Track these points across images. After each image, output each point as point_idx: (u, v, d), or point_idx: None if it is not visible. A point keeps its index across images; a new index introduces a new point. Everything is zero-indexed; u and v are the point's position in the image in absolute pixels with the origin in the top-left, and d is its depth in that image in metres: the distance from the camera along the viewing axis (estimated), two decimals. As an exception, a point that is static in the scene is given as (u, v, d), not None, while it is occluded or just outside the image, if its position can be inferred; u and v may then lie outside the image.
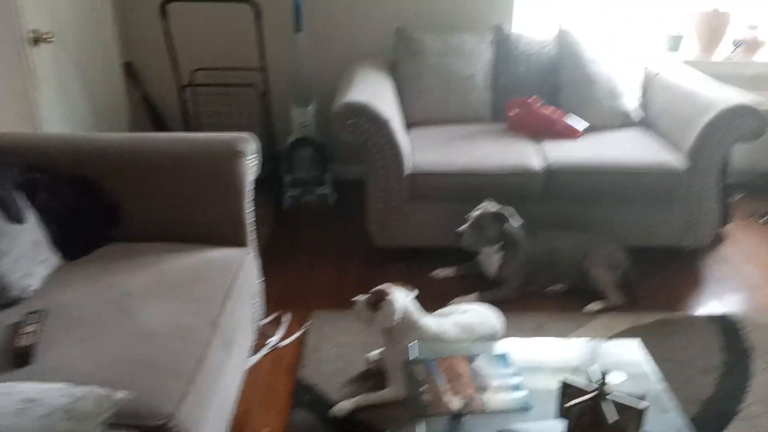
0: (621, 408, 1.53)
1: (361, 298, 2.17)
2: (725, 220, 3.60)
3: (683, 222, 3.16)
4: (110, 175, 2.19)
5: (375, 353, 2.39)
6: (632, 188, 3.05)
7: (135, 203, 2.21)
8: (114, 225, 2.23)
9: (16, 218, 1.89)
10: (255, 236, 2.35)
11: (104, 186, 2.19)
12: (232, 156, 2.24)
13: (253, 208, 2.30)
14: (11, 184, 1.95)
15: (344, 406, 2.19)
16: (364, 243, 3.22)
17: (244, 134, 2.32)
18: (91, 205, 2.19)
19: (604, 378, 1.51)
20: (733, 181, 3.97)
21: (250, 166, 2.29)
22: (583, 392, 1.56)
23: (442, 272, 3.09)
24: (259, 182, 2.48)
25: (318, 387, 2.33)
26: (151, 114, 4.06)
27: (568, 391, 1.62)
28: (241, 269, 2.14)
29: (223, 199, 2.21)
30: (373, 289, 2.17)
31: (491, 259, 2.98)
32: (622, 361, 1.90)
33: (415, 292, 2.22)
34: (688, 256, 3.29)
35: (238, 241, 2.27)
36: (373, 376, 2.34)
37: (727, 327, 2.73)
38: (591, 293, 2.91)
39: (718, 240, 3.51)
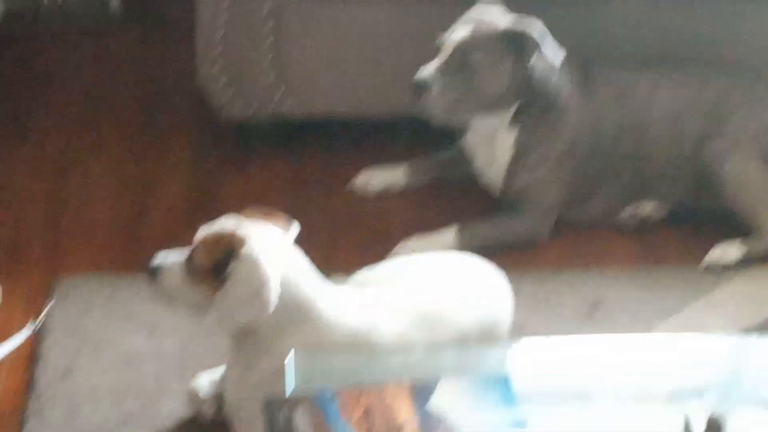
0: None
1: (175, 256, 1.41)
2: None
3: None
4: None
5: (209, 378, 1.55)
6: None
7: None
8: None
9: None
10: None
11: None
12: None
13: None
14: None
15: None
16: (193, 111, 2.30)
17: None
18: None
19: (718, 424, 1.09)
20: None
21: None
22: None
23: (375, 179, 2.15)
24: None
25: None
26: None
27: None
28: None
29: None
30: (206, 232, 1.38)
31: (494, 144, 2.02)
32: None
33: (296, 228, 1.45)
34: None
35: None
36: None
37: None
38: (721, 223, 2.00)
39: None
